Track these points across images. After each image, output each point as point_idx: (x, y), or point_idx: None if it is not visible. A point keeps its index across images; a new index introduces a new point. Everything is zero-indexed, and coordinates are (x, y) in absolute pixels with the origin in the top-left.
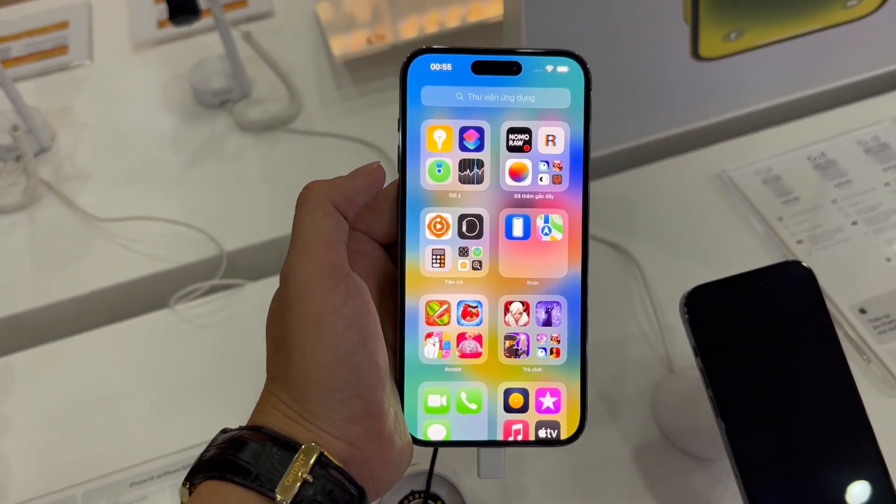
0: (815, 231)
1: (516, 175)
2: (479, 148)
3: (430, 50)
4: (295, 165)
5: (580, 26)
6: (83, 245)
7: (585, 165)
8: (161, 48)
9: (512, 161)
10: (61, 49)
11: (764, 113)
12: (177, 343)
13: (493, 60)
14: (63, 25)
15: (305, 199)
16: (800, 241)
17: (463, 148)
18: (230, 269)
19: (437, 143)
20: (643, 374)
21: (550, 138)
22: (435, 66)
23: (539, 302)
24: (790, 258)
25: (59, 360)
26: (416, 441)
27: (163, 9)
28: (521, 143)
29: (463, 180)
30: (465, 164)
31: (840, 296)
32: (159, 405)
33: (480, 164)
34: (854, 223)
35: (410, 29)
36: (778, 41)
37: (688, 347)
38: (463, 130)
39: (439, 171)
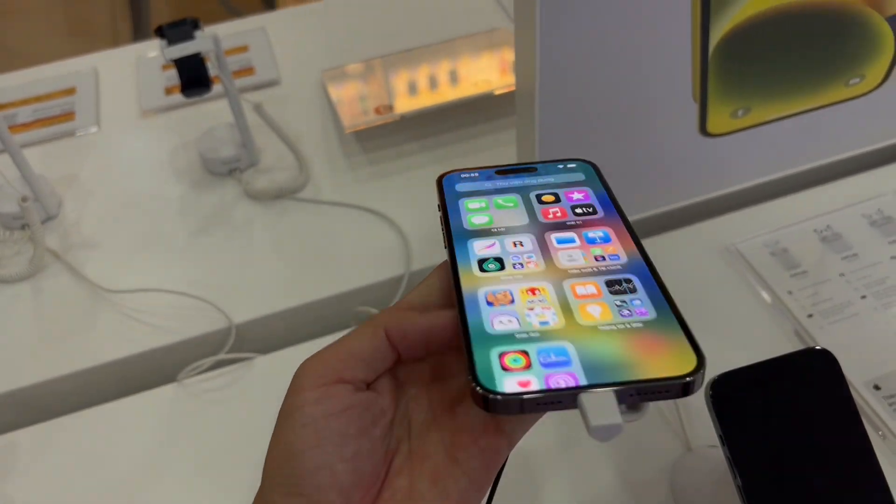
0: (825, 305)
1: (549, 214)
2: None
3: (457, 170)
4: (304, 235)
5: (593, 103)
6: (90, 316)
7: (616, 204)
8: (169, 115)
9: (545, 207)
10: (68, 115)
11: (770, 184)
12: (185, 419)
13: (513, 168)
14: (70, 91)
15: (370, 320)
16: (810, 315)
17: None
18: (239, 341)
19: (476, 215)
20: (660, 452)
21: (577, 195)
22: (464, 176)
23: (608, 279)
24: (801, 332)
25: (64, 437)
26: (496, 404)
27: (171, 75)
28: (551, 199)
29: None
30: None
31: (853, 372)
32: (167, 483)
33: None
34: (863, 297)
35: (417, 99)
36: (784, 117)
37: (704, 425)
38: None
39: (490, 264)
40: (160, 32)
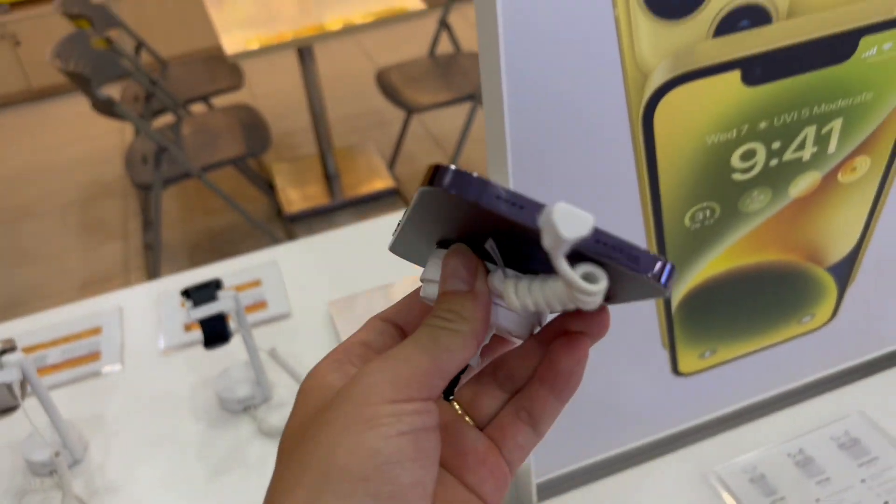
0: None
1: None
2: None
3: None
4: None
5: None
6: None
7: None
8: (188, 352)
9: None
10: (94, 355)
11: (743, 408)
12: None
13: None
14: (96, 331)
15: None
16: None
17: None
18: None
19: None
20: None
21: None
22: None
23: None
24: None
25: None
26: (446, 175)
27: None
28: None
29: None
30: None
31: None
32: None
33: None
34: None
35: None
36: (748, 354)
37: None
38: None
39: None
40: (186, 294)
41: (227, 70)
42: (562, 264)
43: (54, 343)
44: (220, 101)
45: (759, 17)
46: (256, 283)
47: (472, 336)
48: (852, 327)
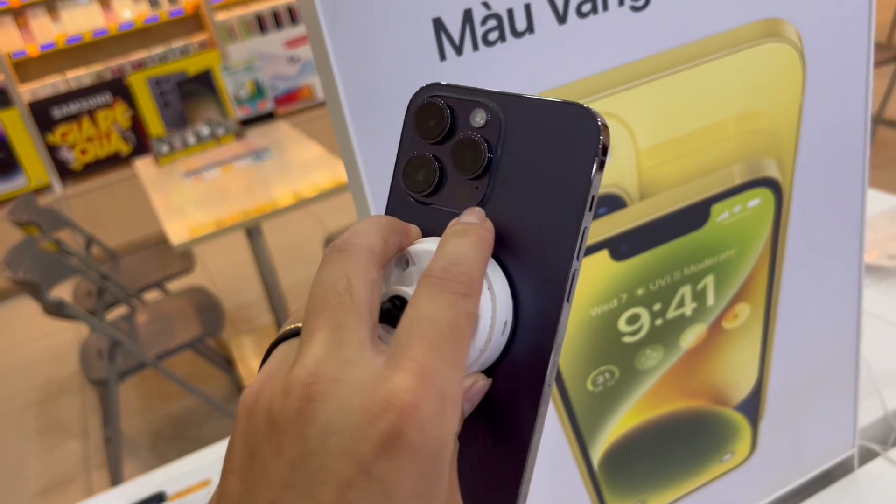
0: None
1: None
2: None
3: None
4: None
5: None
6: None
7: None
8: None
9: None
10: None
11: None
12: None
13: None
14: None
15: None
16: None
17: None
18: None
19: None
20: None
21: None
22: None
23: None
24: None
25: None
26: None
27: None
28: None
29: None
30: None
31: None
32: None
33: None
34: None
35: None
36: (679, 499)
37: None
38: None
39: None
40: None
41: (177, 255)
42: None
43: None
44: (174, 283)
45: (614, 203)
46: (205, 483)
47: None
48: (774, 458)
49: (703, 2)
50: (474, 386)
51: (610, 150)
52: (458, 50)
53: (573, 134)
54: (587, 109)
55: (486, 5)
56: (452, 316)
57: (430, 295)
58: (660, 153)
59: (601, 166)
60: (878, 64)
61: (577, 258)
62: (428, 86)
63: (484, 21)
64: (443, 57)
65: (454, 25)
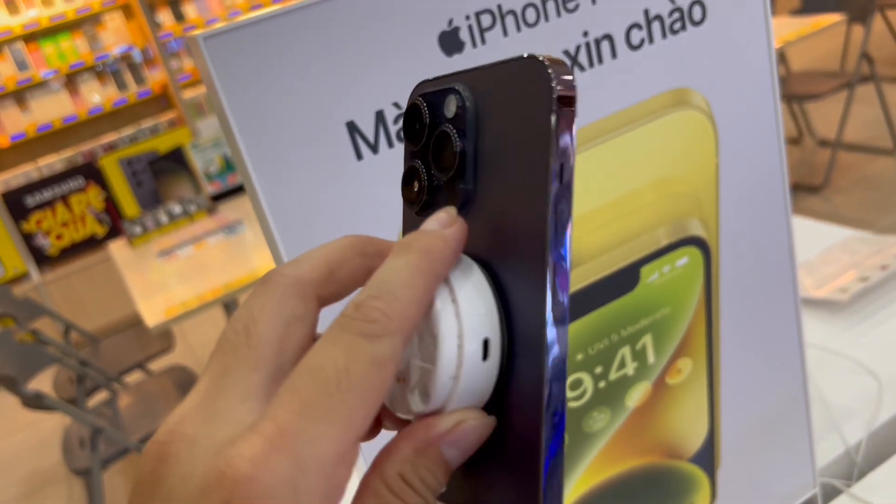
0: None
1: None
2: None
3: None
4: None
5: None
6: None
7: None
8: None
9: None
10: None
11: None
12: None
13: None
14: None
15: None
16: None
17: None
18: None
19: None
20: None
21: None
22: None
23: None
24: None
25: None
26: None
27: None
28: None
29: None
30: None
31: None
32: None
33: None
34: None
35: None
36: None
37: None
38: None
39: None
40: None
41: (156, 335)
42: None
43: None
44: (156, 363)
45: None
46: None
47: None
48: None
49: (615, 78)
50: (458, 428)
51: (578, 100)
52: (374, 149)
53: (528, 93)
54: (531, 57)
55: (397, 105)
56: (346, 363)
57: (328, 337)
58: (584, 223)
59: (567, 124)
60: (832, 91)
61: (555, 247)
62: (417, 85)
63: (396, 120)
64: (359, 156)
65: (367, 127)
